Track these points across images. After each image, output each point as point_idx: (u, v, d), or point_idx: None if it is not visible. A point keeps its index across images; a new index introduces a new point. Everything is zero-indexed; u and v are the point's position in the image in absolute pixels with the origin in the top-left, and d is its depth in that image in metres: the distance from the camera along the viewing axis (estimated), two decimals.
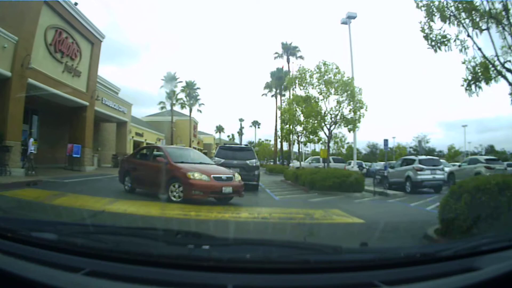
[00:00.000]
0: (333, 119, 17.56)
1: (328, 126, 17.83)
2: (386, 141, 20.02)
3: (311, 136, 19.81)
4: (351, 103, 17.05)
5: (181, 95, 44.73)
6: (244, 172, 12.17)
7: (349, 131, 18.46)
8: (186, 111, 46.19)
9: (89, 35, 19.30)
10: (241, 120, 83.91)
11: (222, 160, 12.75)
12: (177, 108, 45.05)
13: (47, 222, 2.47)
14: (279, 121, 42.45)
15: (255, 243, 1.85)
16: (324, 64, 17.53)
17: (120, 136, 28.13)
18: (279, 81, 41.15)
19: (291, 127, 21.16)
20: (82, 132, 19.25)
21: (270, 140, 65.22)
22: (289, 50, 40.65)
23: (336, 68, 17.45)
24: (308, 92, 18.14)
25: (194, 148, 51.95)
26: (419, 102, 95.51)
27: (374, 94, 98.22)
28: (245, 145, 17.65)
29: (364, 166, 26.40)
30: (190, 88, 45.39)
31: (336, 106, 17.30)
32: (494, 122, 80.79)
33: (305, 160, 32.91)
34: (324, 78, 17.35)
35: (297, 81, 18.75)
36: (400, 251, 1.63)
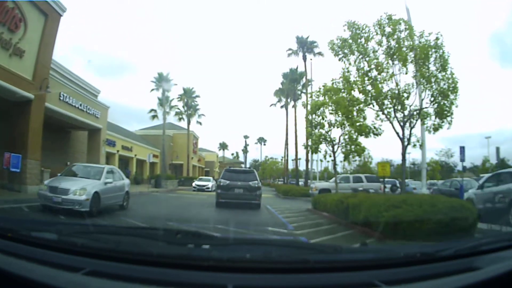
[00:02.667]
0: (409, 108, 9.83)
1: (402, 121, 9.95)
2: (462, 148, 14.57)
3: (352, 146, 12.91)
4: (439, 80, 9.62)
5: (178, 105, 38.42)
6: (247, 192, 13.21)
7: (431, 131, 10.16)
8: (184, 124, 40.26)
9: (41, 3, 14.10)
10: (246, 137, 79.74)
11: (228, 182, 13.35)
12: (174, 120, 39.42)
13: (47, 222, 2.48)
14: (291, 134, 36.83)
15: (255, 243, 1.85)
16: (390, 19, 10.09)
17: (92, 147, 21.50)
18: (293, 84, 35.26)
19: (323, 131, 13.73)
20: (24, 137, 13.41)
21: (276, 158, 61.91)
22: (306, 46, 32.47)
23: (408, 28, 9.99)
24: (371, 66, 10.26)
25: (193, 166, 47.79)
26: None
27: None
28: (248, 168, 17.24)
29: (397, 185, 21.86)
30: (188, 96, 39.26)
31: (417, 82, 9.85)
32: (498, 135, 79.53)
33: (327, 179, 27.54)
34: (389, 44, 10.00)
35: (353, 45, 10.33)
36: (400, 251, 1.63)
